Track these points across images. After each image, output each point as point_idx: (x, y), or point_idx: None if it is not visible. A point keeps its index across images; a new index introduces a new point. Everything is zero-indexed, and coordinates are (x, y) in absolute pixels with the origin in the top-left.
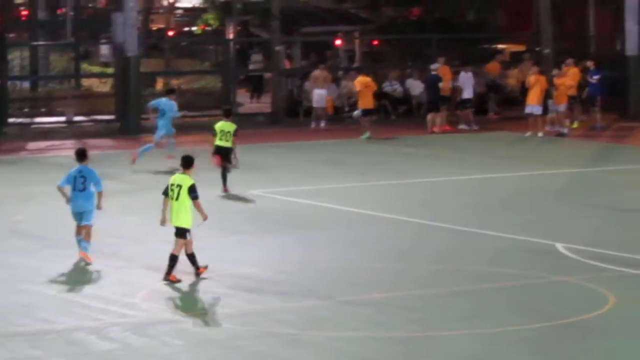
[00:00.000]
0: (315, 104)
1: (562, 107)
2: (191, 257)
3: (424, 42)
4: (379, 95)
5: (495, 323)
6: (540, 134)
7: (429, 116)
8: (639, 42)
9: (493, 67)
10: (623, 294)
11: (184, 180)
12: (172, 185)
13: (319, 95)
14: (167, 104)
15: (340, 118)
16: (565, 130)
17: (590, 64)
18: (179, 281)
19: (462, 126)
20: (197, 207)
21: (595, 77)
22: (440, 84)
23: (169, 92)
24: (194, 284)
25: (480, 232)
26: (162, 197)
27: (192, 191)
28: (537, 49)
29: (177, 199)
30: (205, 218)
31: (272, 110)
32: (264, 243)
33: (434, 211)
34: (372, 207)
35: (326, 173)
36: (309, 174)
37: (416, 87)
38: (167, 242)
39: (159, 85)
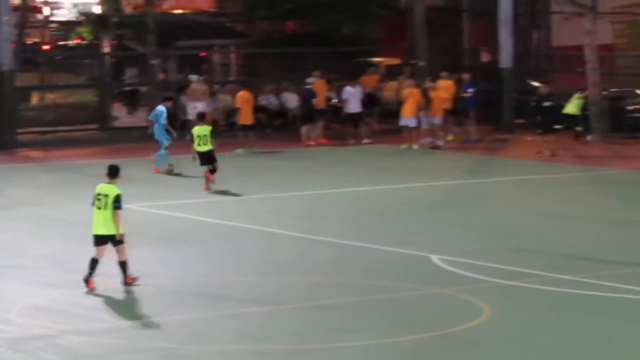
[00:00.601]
0: (190, 117)
1: (437, 119)
2: (122, 266)
3: (299, 56)
4: (255, 108)
5: (372, 335)
6: (415, 147)
7: (304, 129)
8: (512, 55)
9: (369, 81)
10: (498, 305)
11: (111, 190)
12: (98, 195)
13: (194, 109)
14: (159, 110)
15: (217, 132)
16: (440, 143)
17: (465, 76)
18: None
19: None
20: (116, 218)
21: (470, 90)
22: (314, 99)
23: (165, 99)
24: (71, 298)
25: (356, 244)
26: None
27: (117, 201)
28: (413, 62)
29: (105, 208)
30: (119, 233)
31: (148, 124)
32: (141, 257)
33: (311, 224)
34: (249, 221)
35: (202, 187)
36: (185, 188)
37: (291, 100)
38: (42, 257)
39: (34, 99)
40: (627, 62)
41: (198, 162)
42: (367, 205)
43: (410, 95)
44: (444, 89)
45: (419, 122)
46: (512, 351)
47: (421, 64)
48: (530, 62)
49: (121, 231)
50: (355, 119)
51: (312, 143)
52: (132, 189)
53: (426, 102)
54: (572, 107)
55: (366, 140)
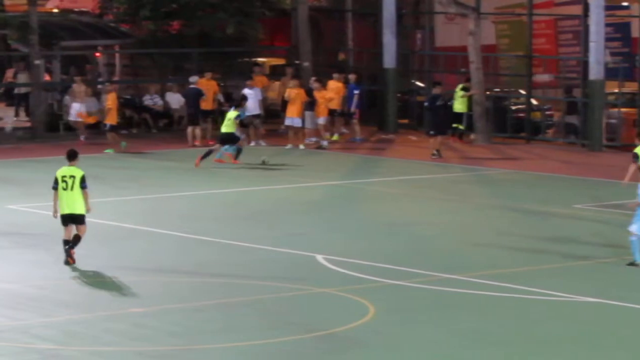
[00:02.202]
0: (71, 118)
1: (322, 120)
2: (77, 240)
3: (183, 56)
4: (140, 108)
5: (254, 335)
6: (301, 147)
7: (189, 130)
8: (396, 55)
9: (260, 81)
10: (383, 304)
11: (75, 171)
12: (63, 177)
13: (75, 109)
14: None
15: (102, 132)
16: (325, 143)
17: (351, 77)
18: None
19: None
20: (86, 197)
21: (355, 91)
22: (202, 98)
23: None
24: None
25: (240, 244)
26: (53, 191)
27: (83, 181)
28: (297, 62)
29: (72, 189)
30: (89, 209)
31: (32, 124)
32: (21, 258)
33: (194, 224)
34: (131, 221)
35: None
36: None
37: (176, 100)
38: None
39: None
40: (510, 63)
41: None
42: (251, 205)
43: (296, 96)
44: (333, 89)
45: (304, 122)
46: (397, 350)
47: (305, 64)
48: (414, 62)
49: (89, 209)
50: (252, 120)
51: (198, 144)
52: (13, 191)
53: (311, 103)
54: (458, 104)
55: (262, 143)
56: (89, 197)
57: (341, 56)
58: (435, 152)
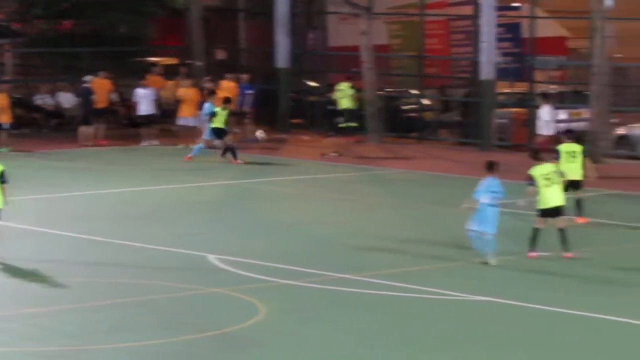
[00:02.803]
0: None
1: None
2: None
3: (75, 55)
4: (31, 108)
5: (147, 335)
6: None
7: (81, 129)
8: (289, 55)
9: (154, 81)
10: (275, 304)
11: None
12: None
13: None
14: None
15: None
16: (218, 142)
17: (244, 77)
18: None
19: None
20: (3, 191)
21: (248, 90)
22: (94, 97)
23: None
24: None
25: (131, 244)
26: None
27: (3, 176)
28: (190, 62)
29: None
30: (8, 202)
31: None
32: None
33: (86, 224)
34: (24, 221)
35: None
36: None
37: (67, 100)
38: None
39: None
40: (402, 63)
41: None
42: (144, 205)
43: (188, 95)
44: (226, 89)
45: (197, 122)
46: (289, 349)
47: (198, 64)
48: (307, 62)
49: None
50: (146, 120)
51: (90, 143)
52: None
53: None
54: (346, 101)
55: (154, 142)
56: (5, 192)
57: (220, 54)
58: (333, 152)
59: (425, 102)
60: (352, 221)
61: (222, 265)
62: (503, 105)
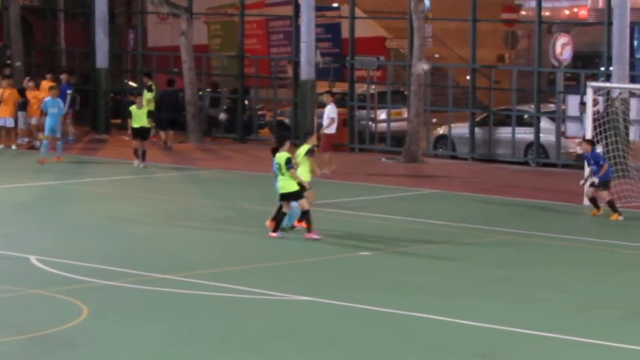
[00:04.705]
0: None
1: (35, 120)
2: None
3: None
4: None
5: None
6: (13, 147)
7: None
8: (108, 55)
9: None
10: (97, 304)
11: None
12: None
13: None
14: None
15: None
16: (38, 144)
17: (63, 77)
18: None
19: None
20: None
21: (68, 90)
22: None
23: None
24: None
25: None
26: None
27: None
28: (9, 62)
29: None
30: None
31: None
32: None
33: None
34: None
35: None
36: None
37: None
38: None
39: None
40: (222, 63)
41: None
42: None
43: (7, 96)
44: (46, 89)
45: (17, 123)
46: (110, 350)
47: (17, 64)
48: (126, 62)
49: None
50: None
51: None
52: None
53: (24, 103)
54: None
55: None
56: None
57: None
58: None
59: (246, 102)
60: (172, 221)
61: (43, 267)
62: (323, 105)
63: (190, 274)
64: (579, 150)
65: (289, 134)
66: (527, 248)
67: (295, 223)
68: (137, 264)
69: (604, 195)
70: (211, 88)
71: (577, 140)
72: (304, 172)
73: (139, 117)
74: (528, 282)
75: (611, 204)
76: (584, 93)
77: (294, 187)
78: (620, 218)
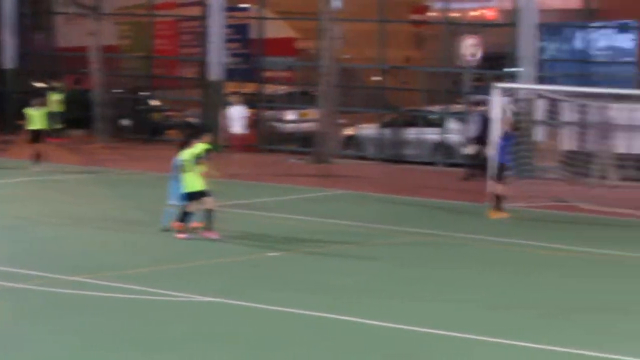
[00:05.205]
0: None
1: None
2: None
3: None
4: None
5: None
6: None
7: None
8: (16, 56)
9: None
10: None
11: None
12: None
13: None
14: None
15: None
16: None
17: None
18: None
19: None
20: None
21: None
22: None
23: None
24: None
25: None
26: None
27: None
28: None
29: None
30: None
31: None
32: None
33: None
34: None
35: None
36: None
37: None
38: None
39: None
40: (132, 64)
41: None
42: None
43: None
44: None
45: None
46: (10, 354)
47: None
48: (34, 63)
49: None
50: None
51: None
52: None
53: None
54: (55, 105)
55: None
56: None
57: None
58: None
59: (155, 103)
60: (82, 222)
61: None
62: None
63: (98, 276)
64: (467, 151)
65: (199, 130)
66: (438, 248)
67: (195, 224)
68: (43, 266)
69: (497, 187)
70: (121, 89)
71: (470, 142)
72: (194, 178)
73: (36, 119)
74: (439, 282)
75: (498, 200)
76: (473, 93)
77: (200, 186)
78: (503, 216)
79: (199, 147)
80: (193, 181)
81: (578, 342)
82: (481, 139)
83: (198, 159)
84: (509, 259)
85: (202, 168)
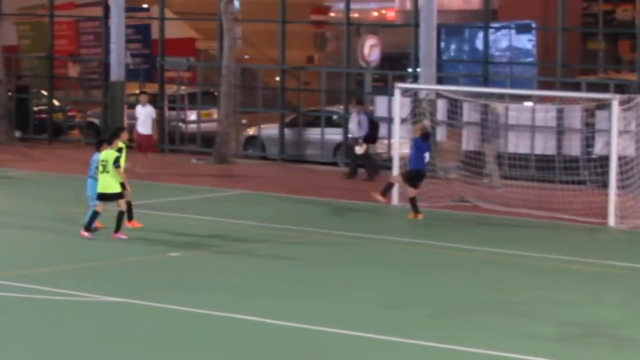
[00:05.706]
0: None
1: None
2: None
3: None
4: None
5: None
6: None
7: None
8: None
9: None
10: None
11: None
12: None
13: None
14: None
15: None
16: None
17: None
18: None
19: None
20: None
21: None
22: None
23: None
24: None
25: None
26: None
27: None
28: None
29: None
30: None
31: None
32: None
33: None
34: None
35: None
36: None
37: None
38: None
39: None
40: (32, 64)
41: None
42: None
43: None
44: None
45: None
46: None
47: None
48: None
49: None
50: None
51: None
52: None
53: None
54: None
55: None
56: None
57: None
58: None
59: (56, 103)
60: None
61: None
62: (133, 105)
63: (1, 276)
64: (358, 151)
65: (119, 130)
66: (339, 248)
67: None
68: None
69: (410, 191)
70: (20, 89)
71: (359, 141)
72: (111, 179)
73: None
74: (338, 281)
75: (413, 202)
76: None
77: (116, 188)
78: (420, 217)
79: (118, 146)
80: (110, 182)
81: (458, 339)
82: (369, 138)
83: (118, 158)
84: (411, 259)
85: (122, 167)
